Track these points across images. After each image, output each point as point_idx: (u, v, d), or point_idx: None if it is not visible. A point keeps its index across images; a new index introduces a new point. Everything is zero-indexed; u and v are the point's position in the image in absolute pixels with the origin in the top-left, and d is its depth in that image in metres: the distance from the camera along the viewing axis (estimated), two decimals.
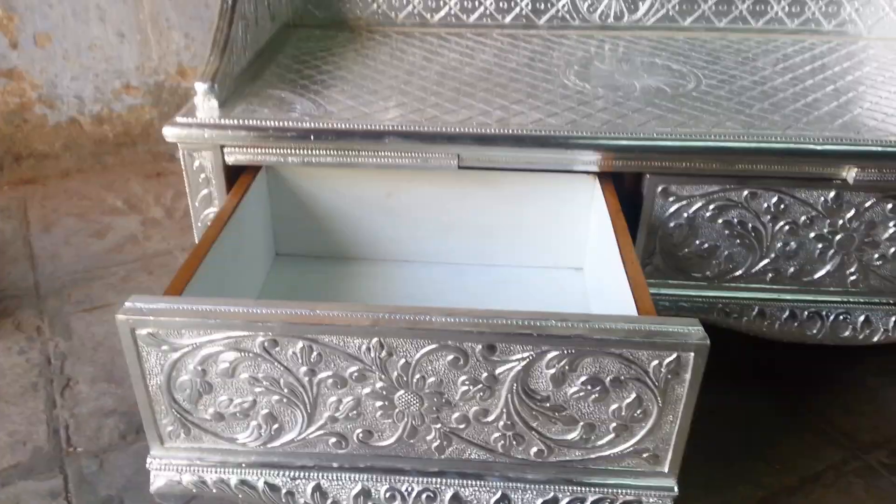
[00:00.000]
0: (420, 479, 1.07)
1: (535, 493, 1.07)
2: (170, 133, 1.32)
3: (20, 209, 2.28)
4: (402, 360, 0.97)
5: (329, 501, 1.08)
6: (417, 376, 0.98)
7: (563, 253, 1.55)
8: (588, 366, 0.96)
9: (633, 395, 0.98)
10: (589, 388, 0.98)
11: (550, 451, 1.04)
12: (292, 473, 1.08)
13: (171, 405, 1.03)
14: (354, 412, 1.02)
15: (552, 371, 0.97)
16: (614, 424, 1.01)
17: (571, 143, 1.32)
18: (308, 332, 0.96)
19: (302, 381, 1.00)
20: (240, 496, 1.08)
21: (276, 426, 1.04)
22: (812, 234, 1.41)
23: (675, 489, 1.06)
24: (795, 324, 1.49)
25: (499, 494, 1.07)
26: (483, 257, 1.56)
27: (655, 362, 0.95)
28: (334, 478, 1.08)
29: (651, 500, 1.07)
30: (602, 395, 0.98)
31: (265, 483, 1.08)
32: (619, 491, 1.06)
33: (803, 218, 1.39)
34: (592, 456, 1.04)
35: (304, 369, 0.98)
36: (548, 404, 1.00)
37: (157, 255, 2.06)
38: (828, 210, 1.38)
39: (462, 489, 1.07)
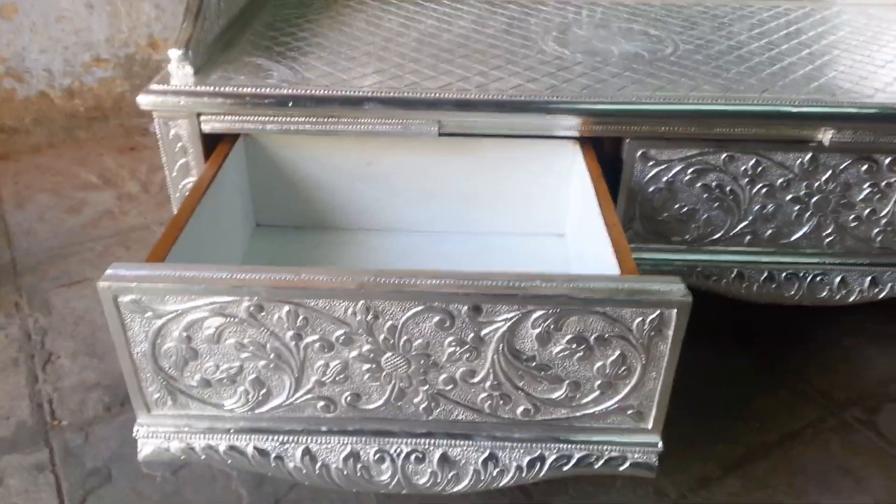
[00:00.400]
0: (408, 440, 1.08)
1: (522, 451, 1.09)
2: (144, 101, 1.30)
3: None
4: (389, 323, 0.97)
5: (318, 465, 1.09)
6: (404, 339, 0.99)
7: (545, 219, 1.55)
8: (573, 325, 0.97)
9: (618, 353, 1.00)
10: (574, 346, 0.99)
11: (537, 410, 1.06)
12: (281, 438, 1.08)
13: (157, 373, 1.03)
14: (342, 376, 1.02)
15: (537, 331, 0.98)
16: (599, 382, 1.03)
17: (552, 108, 1.32)
18: (293, 296, 0.95)
19: (289, 346, 1.00)
20: (229, 461, 1.09)
21: (263, 391, 1.04)
22: (789, 197, 1.43)
23: (660, 445, 1.08)
24: (773, 285, 1.51)
25: (486, 453, 1.09)
26: (465, 225, 1.56)
27: (639, 320, 0.97)
28: (323, 441, 1.08)
29: (636, 455, 1.09)
30: (587, 353, 1.00)
31: (254, 448, 1.08)
32: (605, 448, 1.09)
33: (780, 180, 1.41)
34: (578, 414, 1.06)
35: (291, 334, 0.98)
36: (533, 364, 1.01)
37: (133, 229, 2.03)
38: (804, 172, 1.41)
39: (450, 449, 1.09)
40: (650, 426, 1.07)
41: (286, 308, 0.96)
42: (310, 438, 1.08)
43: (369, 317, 0.97)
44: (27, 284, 1.81)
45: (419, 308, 0.96)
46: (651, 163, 1.39)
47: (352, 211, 1.55)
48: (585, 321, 0.97)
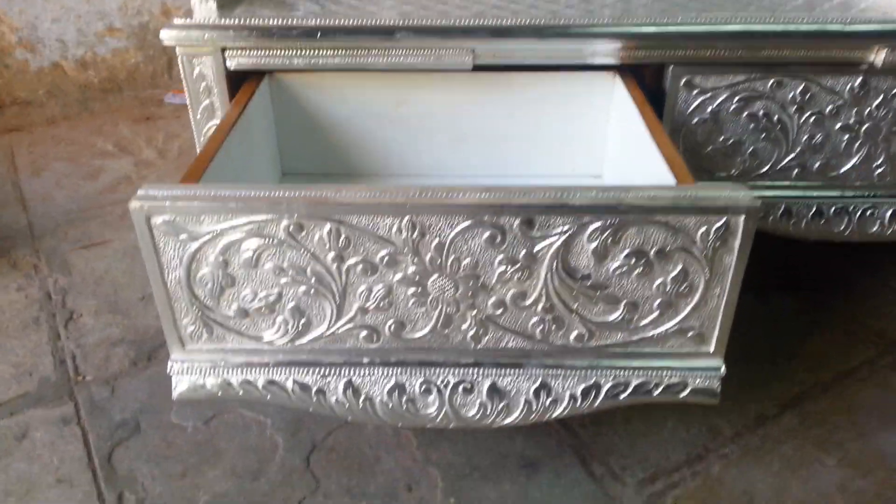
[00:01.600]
0: (455, 370, 1.03)
1: (575, 379, 1.03)
2: (167, 36, 1.25)
3: (7, 156, 2.19)
4: (436, 241, 0.92)
5: (362, 398, 1.04)
6: (452, 258, 0.93)
7: (582, 160, 1.49)
8: (632, 238, 0.92)
9: (679, 268, 0.94)
10: (632, 262, 0.93)
11: (591, 334, 1.00)
12: (322, 371, 1.03)
13: (192, 302, 0.98)
14: (385, 302, 0.97)
15: (594, 245, 0.92)
16: (658, 301, 0.97)
17: (592, 32, 1.27)
18: (335, 213, 0.90)
19: (330, 269, 0.95)
20: (268, 397, 1.04)
21: (303, 321, 0.99)
22: (838, 125, 1.37)
23: (722, 369, 1.02)
24: (822, 221, 1.45)
25: (538, 382, 1.03)
26: (499, 169, 1.50)
27: (703, 229, 0.91)
28: (366, 373, 1.03)
29: (697, 381, 1.03)
30: (646, 269, 0.94)
31: (294, 382, 1.03)
32: (664, 373, 1.03)
33: (829, 107, 1.35)
34: (635, 338, 1.01)
35: (332, 255, 0.93)
36: (589, 283, 0.95)
37: None
38: (854, 98, 1.34)
39: (500, 379, 1.03)
40: (712, 349, 1.01)
41: (327, 226, 0.91)
42: (352, 370, 1.03)
43: (415, 234, 0.91)
44: (46, 247, 1.76)
45: (468, 223, 0.90)
46: (695, 91, 1.33)
47: (381, 157, 1.50)
48: (645, 233, 0.91)
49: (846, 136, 1.38)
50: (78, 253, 1.73)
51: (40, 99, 2.43)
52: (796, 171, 1.41)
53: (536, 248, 0.92)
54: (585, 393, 1.04)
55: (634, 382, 1.03)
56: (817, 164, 1.40)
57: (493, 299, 0.97)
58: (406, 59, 1.28)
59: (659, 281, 0.95)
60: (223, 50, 1.27)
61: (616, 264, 0.94)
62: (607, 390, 1.03)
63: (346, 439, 1.24)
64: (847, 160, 1.40)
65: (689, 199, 0.90)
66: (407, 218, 0.90)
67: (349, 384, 1.03)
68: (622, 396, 1.04)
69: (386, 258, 0.93)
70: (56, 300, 1.58)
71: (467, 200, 0.90)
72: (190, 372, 1.03)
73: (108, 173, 2.10)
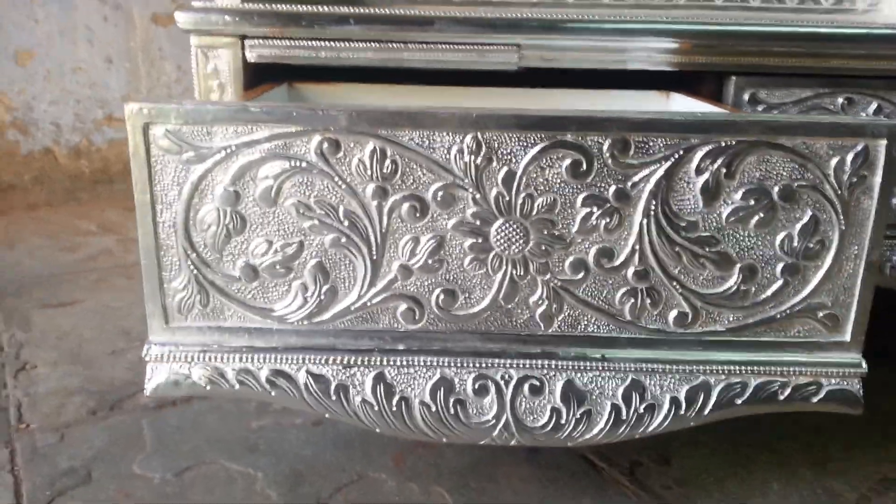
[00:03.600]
0: (520, 362, 0.80)
1: (677, 378, 0.81)
2: (184, 19, 1.15)
3: None
4: (505, 169, 0.75)
5: (395, 399, 0.80)
6: (524, 195, 0.75)
7: None
8: (751, 169, 0.75)
9: (808, 215, 0.76)
10: (751, 203, 0.76)
11: (696, 314, 0.79)
12: (346, 359, 0.80)
13: (187, 254, 0.77)
14: (435, 259, 0.77)
15: (703, 178, 0.75)
16: (783, 265, 0.78)
17: (654, 31, 1.17)
18: (383, 123, 0.73)
19: (368, 209, 0.76)
20: (272, 393, 0.79)
21: (326, 287, 0.78)
22: None
23: (863, 365, 0.81)
24: None
25: (628, 381, 0.80)
26: None
27: (837, 159, 0.75)
28: (403, 364, 0.80)
29: (832, 381, 0.81)
30: (768, 214, 0.76)
31: (308, 374, 0.80)
32: (791, 370, 0.81)
33: None
34: (752, 320, 0.80)
35: (373, 188, 0.75)
36: (695, 234, 0.77)
37: (137, 264, 1.79)
38: None
39: (577, 375, 0.80)
40: (847, 337, 0.80)
41: (370, 145, 0.74)
42: (385, 360, 0.80)
43: (479, 158, 0.74)
44: (6, 305, 1.54)
45: (546, 143, 0.74)
46: (761, 108, 1.22)
47: None
48: (768, 162, 0.75)
49: None
50: (42, 311, 1.51)
51: (25, 184, 2.31)
52: None
53: (631, 182, 0.75)
54: (691, 397, 0.80)
55: (754, 383, 0.81)
56: None
57: (571, 259, 0.78)
58: (445, 56, 1.18)
59: (783, 235, 0.77)
60: (243, 39, 1.17)
61: (730, 208, 0.76)
62: (719, 393, 0.80)
63: (361, 497, 0.96)
64: None
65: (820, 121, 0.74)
66: (471, 135, 0.74)
67: (380, 379, 0.80)
68: (739, 402, 0.81)
69: (440, 193, 0.75)
70: (9, 353, 1.34)
71: (548, 112, 0.74)
72: (172, 358, 0.80)
73: (88, 247, 1.92)
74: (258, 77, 1.19)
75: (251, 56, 1.17)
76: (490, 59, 1.18)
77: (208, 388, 0.79)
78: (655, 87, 1.25)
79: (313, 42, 1.17)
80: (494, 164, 0.74)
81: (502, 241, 0.77)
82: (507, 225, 0.76)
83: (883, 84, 1.22)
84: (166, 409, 1.15)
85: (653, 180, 0.75)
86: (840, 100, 1.22)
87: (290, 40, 1.17)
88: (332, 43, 1.17)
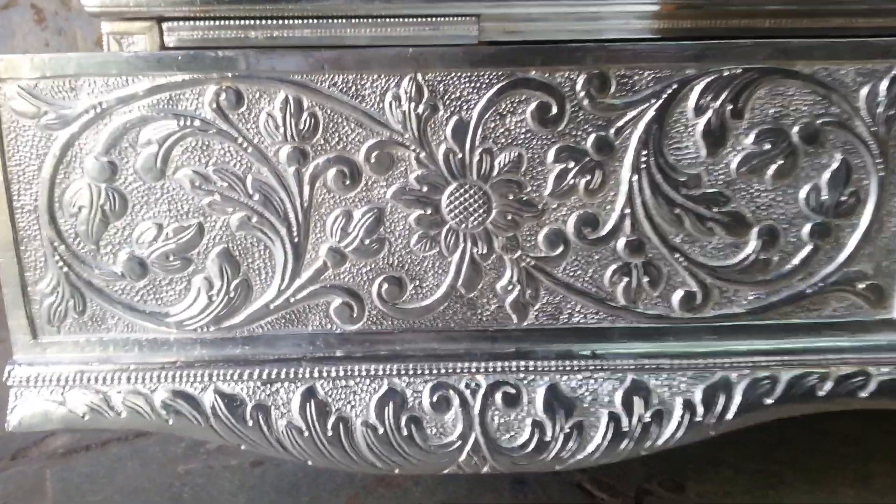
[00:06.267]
0: (489, 366, 0.65)
1: (689, 376, 0.65)
2: (91, 2, 1.01)
3: None
4: (455, 119, 0.60)
5: (331, 420, 0.63)
6: (480, 150, 0.61)
7: None
8: (762, 105, 0.61)
9: (838, 160, 0.62)
10: (766, 148, 0.61)
11: (706, 294, 0.64)
12: (266, 373, 0.64)
13: (54, 246, 0.62)
14: (374, 238, 0.62)
15: (704, 119, 0.61)
16: (810, 226, 0.63)
17: None
18: (294, 68, 0.59)
19: (283, 177, 0.61)
20: (169, 422, 0.63)
21: (237, 282, 0.63)
22: None
23: None
24: None
25: (628, 382, 0.65)
26: None
27: (867, 88, 0.61)
28: (340, 375, 0.64)
29: (883, 370, 0.65)
30: (788, 162, 0.62)
31: (216, 395, 0.63)
32: (830, 359, 0.65)
33: None
34: (776, 298, 0.65)
35: (289, 150, 0.60)
36: (698, 192, 0.62)
37: None
38: None
39: (563, 378, 0.65)
40: (895, 313, 0.65)
41: (281, 95, 0.59)
42: (317, 371, 0.64)
43: (421, 107, 0.60)
44: None
45: (504, 82, 0.59)
46: None
47: None
48: (783, 95, 0.61)
49: None
50: None
51: None
52: None
53: (614, 129, 0.61)
54: (708, 398, 0.65)
55: (786, 377, 0.65)
56: None
57: (545, 230, 0.63)
58: (394, 31, 1.04)
59: (808, 187, 0.63)
60: (160, 22, 1.03)
61: (740, 156, 0.61)
62: (744, 392, 0.65)
63: None
64: None
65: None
66: (409, 77, 0.59)
67: (310, 396, 0.64)
68: (768, 402, 0.65)
69: (375, 154, 0.61)
70: None
71: (505, 45, 0.60)
72: (41, 381, 0.63)
73: None
74: None
75: (170, 41, 1.03)
76: (446, 33, 1.04)
77: (86, 417, 0.63)
78: None
79: (242, 22, 1.03)
80: (441, 112, 0.60)
81: (457, 211, 0.62)
82: (463, 190, 0.61)
83: None
84: (77, 455, 0.97)
85: (641, 125, 0.61)
86: None
87: (215, 21, 1.03)
88: (263, 21, 1.03)
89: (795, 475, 0.94)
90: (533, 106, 0.60)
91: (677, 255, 0.64)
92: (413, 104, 0.60)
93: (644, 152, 0.61)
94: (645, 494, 0.90)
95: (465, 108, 0.60)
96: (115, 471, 0.94)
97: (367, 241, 0.63)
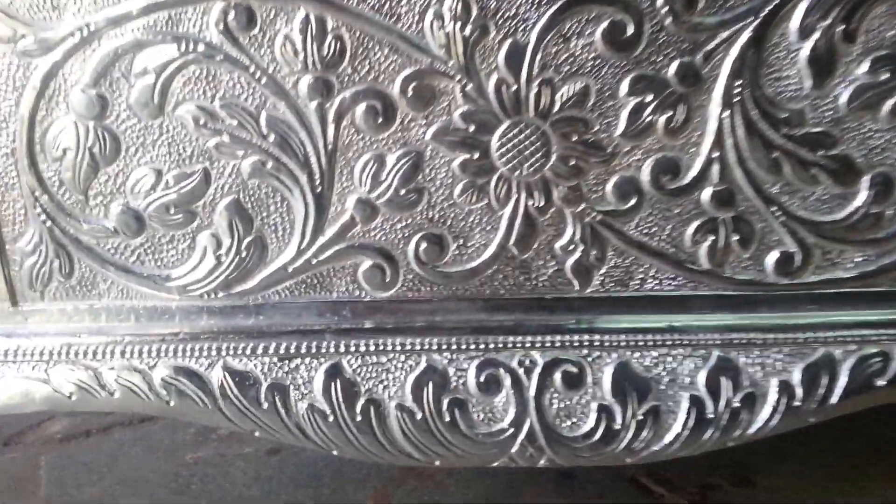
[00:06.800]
0: (546, 340, 0.55)
1: (785, 353, 0.55)
2: None
3: None
4: (509, 42, 0.50)
5: (360, 402, 0.54)
6: (539, 81, 0.51)
7: None
8: (880, 24, 0.50)
9: None
10: (883, 78, 0.51)
11: (807, 255, 0.54)
12: (284, 347, 0.55)
13: (35, 197, 0.53)
14: (411, 188, 0.53)
15: (810, 43, 0.50)
16: None
17: None
18: None
19: (304, 113, 0.52)
20: (171, 403, 0.54)
21: (249, 240, 0.54)
22: None
23: None
24: None
25: (713, 360, 0.55)
26: None
27: None
28: (370, 350, 0.55)
29: None
30: None
31: (226, 372, 0.54)
32: None
33: None
34: (888, 260, 0.54)
35: (310, 81, 0.51)
36: (801, 131, 0.52)
37: None
38: None
39: (635, 355, 0.55)
40: None
41: (301, 13, 0.50)
42: (343, 345, 0.55)
43: (469, 28, 0.50)
44: None
45: None
46: None
47: None
48: None
49: None
50: None
51: None
52: None
53: (702, 53, 0.50)
54: (809, 379, 0.55)
55: None
56: None
57: (615, 178, 0.53)
58: None
59: None
60: None
61: (851, 88, 0.51)
62: (851, 371, 0.55)
63: None
64: None
65: None
66: None
67: (336, 374, 0.55)
68: (880, 382, 0.55)
69: (413, 85, 0.51)
70: None
71: None
72: (22, 355, 0.55)
73: None
74: None
75: None
76: None
77: (74, 398, 0.54)
78: None
79: None
80: (492, 34, 0.50)
81: (510, 155, 0.52)
82: (517, 130, 0.52)
83: None
84: (77, 440, 0.89)
85: (735, 49, 0.50)
86: None
87: None
88: None
89: (878, 468, 0.84)
90: (604, 26, 0.50)
91: (774, 209, 0.54)
92: (459, 24, 0.50)
93: (737, 83, 0.51)
94: (709, 490, 0.80)
95: (521, 28, 0.50)
96: (116, 459, 0.86)
97: (402, 192, 0.53)
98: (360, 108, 0.52)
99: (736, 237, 0.54)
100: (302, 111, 0.52)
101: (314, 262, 0.54)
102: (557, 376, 0.55)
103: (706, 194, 0.54)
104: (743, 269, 0.55)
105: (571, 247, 0.54)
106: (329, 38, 0.51)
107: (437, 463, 0.55)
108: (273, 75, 0.51)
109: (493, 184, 0.53)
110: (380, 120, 0.52)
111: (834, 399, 0.54)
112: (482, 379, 0.55)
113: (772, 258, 0.55)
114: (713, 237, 0.54)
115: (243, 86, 0.51)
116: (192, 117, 0.52)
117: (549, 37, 0.51)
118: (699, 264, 0.55)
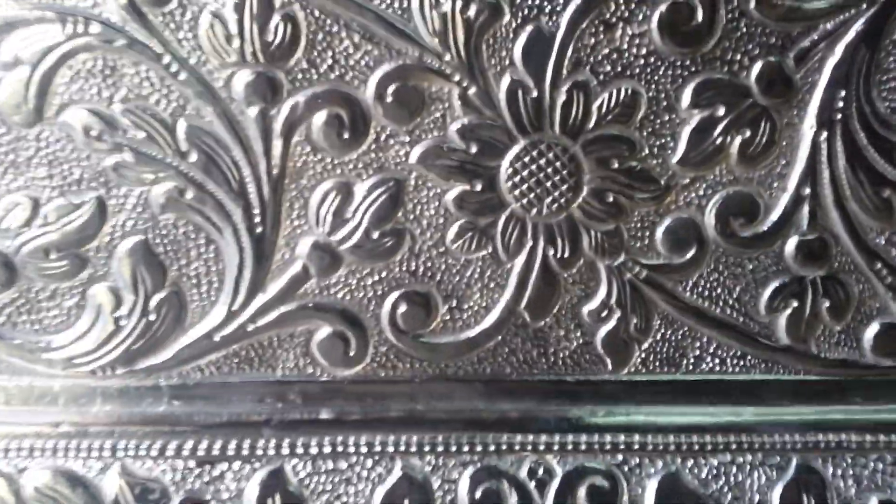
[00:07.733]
0: (567, 440, 0.41)
1: (890, 463, 0.41)
2: None
3: None
4: (528, 29, 0.37)
5: None
6: (569, 84, 0.37)
7: None
8: None
9: None
10: None
11: None
12: (203, 445, 0.40)
13: None
14: (387, 230, 0.39)
15: None
16: None
17: None
18: None
19: (239, 123, 0.37)
20: None
21: (161, 296, 0.39)
22: None
23: None
24: None
25: (791, 472, 0.41)
26: None
27: None
28: (326, 453, 0.40)
29: None
30: None
31: (124, 479, 0.39)
32: None
33: None
34: None
35: (249, 79, 0.37)
36: None
37: None
38: None
39: (685, 463, 0.41)
40: None
41: None
42: (288, 443, 0.40)
43: (473, 7, 0.36)
44: None
45: None
46: None
47: None
48: None
49: None
50: None
51: None
52: None
53: (794, 53, 0.37)
54: None
55: None
56: None
57: (668, 222, 0.39)
58: None
59: None
60: None
61: None
62: None
63: None
64: None
65: None
66: None
67: (275, 484, 0.40)
68: None
69: (393, 87, 0.37)
70: None
71: None
72: None
73: None
74: None
75: None
76: None
77: None
78: None
79: None
80: (507, 18, 0.36)
81: (526, 187, 0.38)
82: (536, 153, 0.38)
83: None
84: None
85: (840, 48, 0.37)
86: None
87: None
88: None
89: None
90: (662, 9, 0.37)
91: (878, 266, 0.40)
92: (460, 3, 0.36)
93: (841, 94, 0.38)
94: None
95: (546, 10, 0.37)
96: None
97: (375, 235, 0.39)
98: (319, 118, 0.38)
99: (826, 303, 0.41)
100: (236, 120, 0.37)
101: (251, 328, 0.40)
102: (581, 493, 0.40)
103: (791, 245, 0.40)
104: (834, 347, 0.41)
105: (605, 312, 0.40)
106: (276, 18, 0.36)
107: None
108: (196, 69, 0.37)
109: (500, 225, 0.39)
110: (346, 135, 0.38)
111: None
112: (478, 495, 0.40)
113: (871, 332, 0.41)
114: (797, 303, 0.41)
115: (154, 83, 0.37)
116: (83, 126, 0.37)
117: (585, 23, 0.37)
118: (776, 339, 0.41)
